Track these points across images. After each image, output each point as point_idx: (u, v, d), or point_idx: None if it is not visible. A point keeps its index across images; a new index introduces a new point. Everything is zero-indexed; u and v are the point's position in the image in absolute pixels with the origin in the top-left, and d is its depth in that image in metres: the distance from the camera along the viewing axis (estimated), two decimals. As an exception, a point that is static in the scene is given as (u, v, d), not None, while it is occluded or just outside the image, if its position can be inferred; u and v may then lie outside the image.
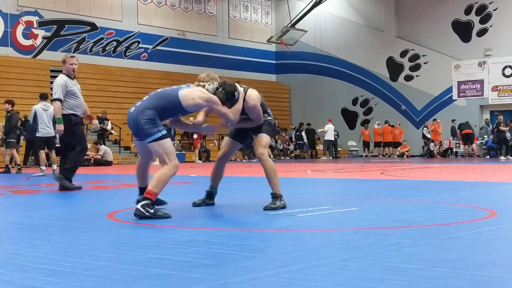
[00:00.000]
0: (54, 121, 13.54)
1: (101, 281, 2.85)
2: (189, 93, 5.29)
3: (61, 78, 8.56)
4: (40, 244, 3.91)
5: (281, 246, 3.70)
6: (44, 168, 13.54)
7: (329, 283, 2.71)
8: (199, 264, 3.15)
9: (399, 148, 28.72)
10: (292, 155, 29.10)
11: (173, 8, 29.94)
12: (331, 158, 27.69)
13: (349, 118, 32.27)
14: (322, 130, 28.24)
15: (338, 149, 29.79)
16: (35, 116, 13.16)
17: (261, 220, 5.05)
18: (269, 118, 5.93)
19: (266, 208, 5.57)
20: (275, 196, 5.70)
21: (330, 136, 27.79)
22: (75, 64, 8.65)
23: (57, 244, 3.93)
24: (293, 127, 31.11)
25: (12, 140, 15.40)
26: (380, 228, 4.43)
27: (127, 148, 24.65)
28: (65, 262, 3.28)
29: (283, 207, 5.63)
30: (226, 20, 32.29)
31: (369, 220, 4.94)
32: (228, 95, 5.51)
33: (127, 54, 27.90)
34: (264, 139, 5.83)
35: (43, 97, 13.47)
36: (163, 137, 5.14)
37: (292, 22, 31.42)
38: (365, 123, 31.21)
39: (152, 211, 4.95)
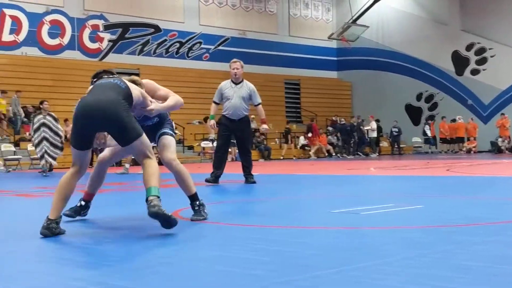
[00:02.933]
0: None
1: (166, 277, 2.90)
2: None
3: (221, 83, 9.52)
4: (107, 242, 4.01)
5: (344, 244, 3.66)
6: (127, 166, 14.03)
7: (393, 281, 2.67)
8: (261, 262, 3.16)
9: (465, 144, 28.04)
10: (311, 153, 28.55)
11: (234, 8, 30.14)
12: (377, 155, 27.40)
13: (414, 114, 31.68)
14: (370, 127, 28.09)
15: (402, 145, 29.35)
16: None
17: (323, 218, 5.02)
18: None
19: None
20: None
21: (373, 133, 27.86)
22: (236, 69, 9.31)
23: (124, 241, 4.02)
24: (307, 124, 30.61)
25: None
26: (446, 226, 4.33)
27: (190, 147, 25.00)
28: (130, 259, 3.36)
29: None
30: (286, 18, 32.26)
31: (435, 218, 4.83)
32: None
33: (189, 55, 28.26)
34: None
35: None
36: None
37: (354, 18, 31.10)
38: (430, 118, 30.58)
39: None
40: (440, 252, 3.29)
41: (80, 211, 5.01)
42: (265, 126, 9.85)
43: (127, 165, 14.07)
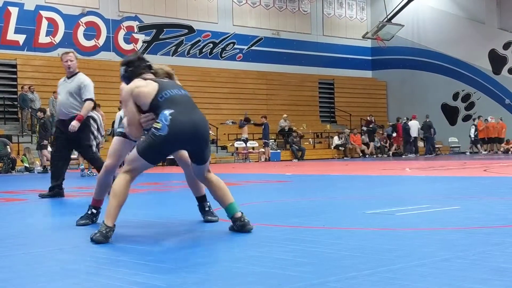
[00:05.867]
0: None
1: (202, 277, 2.93)
2: None
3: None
4: (144, 242, 4.06)
5: (380, 246, 3.65)
6: None
7: (429, 283, 2.65)
8: (297, 263, 3.17)
9: (503, 144, 27.56)
10: (390, 152, 28.52)
11: (267, 8, 30.15)
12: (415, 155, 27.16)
13: (450, 113, 31.27)
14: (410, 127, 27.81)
15: (439, 146, 28.98)
16: (120, 120, 13.91)
17: (357, 219, 5.00)
18: (155, 126, 4.12)
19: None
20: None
21: (414, 132, 27.45)
22: (70, 61, 7.73)
23: (161, 241, 4.07)
24: (390, 124, 30.55)
25: (45, 144, 17.77)
26: (483, 227, 4.28)
27: (223, 147, 25.10)
28: (167, 259, 3.40)
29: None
30: (320, 18, 32.14)
31: (472, 219, 4.78)
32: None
33: (223, 55, 28.37)
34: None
35: None
36: None
37: (388, 17, 30.84)
38: (467, 118, 30.13)
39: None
40: (476, 254, 3.25)
41: (93, 217, 4.96)
42: (73, 123, 7.61)
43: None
